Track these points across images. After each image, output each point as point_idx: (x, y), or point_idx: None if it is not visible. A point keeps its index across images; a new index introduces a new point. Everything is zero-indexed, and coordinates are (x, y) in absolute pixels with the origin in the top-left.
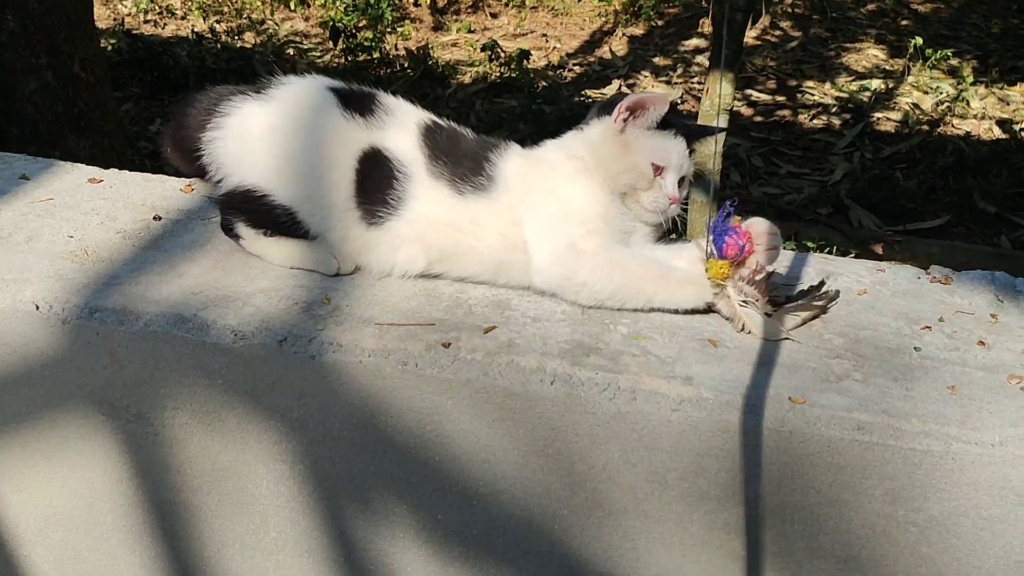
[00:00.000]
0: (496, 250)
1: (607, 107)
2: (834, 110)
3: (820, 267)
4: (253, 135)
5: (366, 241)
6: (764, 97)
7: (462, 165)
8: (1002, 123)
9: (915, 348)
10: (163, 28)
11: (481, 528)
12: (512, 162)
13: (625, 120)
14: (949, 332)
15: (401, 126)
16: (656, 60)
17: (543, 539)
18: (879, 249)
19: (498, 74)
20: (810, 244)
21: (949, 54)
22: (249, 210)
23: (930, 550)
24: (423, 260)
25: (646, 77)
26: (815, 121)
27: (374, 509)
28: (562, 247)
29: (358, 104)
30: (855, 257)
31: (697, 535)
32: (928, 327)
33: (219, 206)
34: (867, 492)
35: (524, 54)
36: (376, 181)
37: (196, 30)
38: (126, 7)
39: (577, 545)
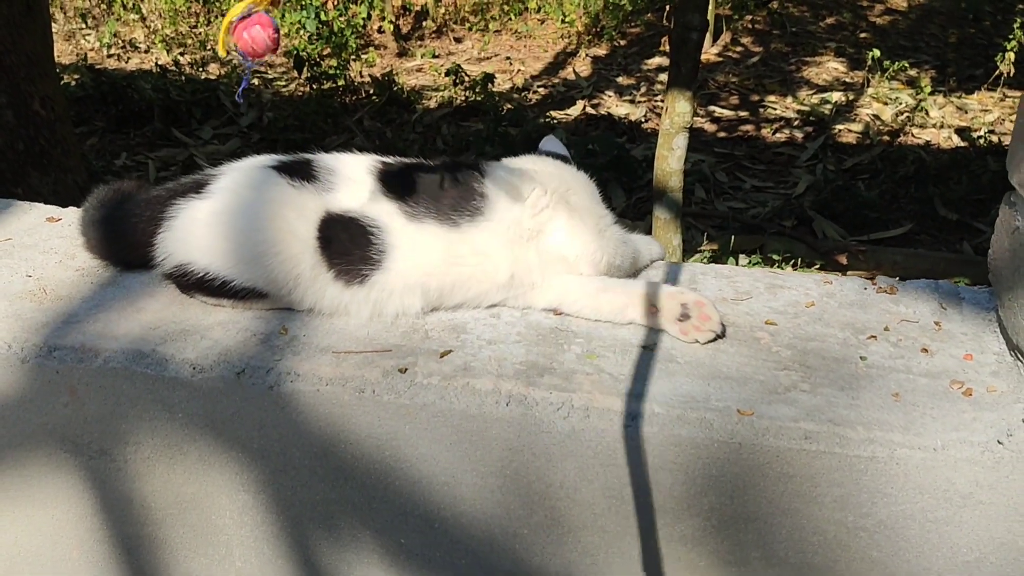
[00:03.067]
0: (508, 265)
1: None
2: (796, 123)
3: (769, 281)
4: (204, 229)
5: (347, 301)
6: (727, 113)
7: (445, 197)
8: (961, 131)
9: (861, 357)
10: (127, 62)
11: (444, 550)
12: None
13: None
14: (894, 341)
15: (352, 180)
16: (619, 80)
17: (505, 558)
18: (843, 259)
19: (463, 98)
20: (775, 256)
21: (907, 65)
22: (210, 290)
23: (880, 554)
24: (420, 303)
25: (610, 97)
26: (778, 135)
27: (338, 535)
28: None
29: (301, 173)
30: (819, 268)
31: (655, 547)
32: (874, 336)
33: (174, 283)
34: (817, 500)
35: (488, 77)
36: (346, 242)
37: (160, 63)
38: (89, 42)
39: (538, 563)
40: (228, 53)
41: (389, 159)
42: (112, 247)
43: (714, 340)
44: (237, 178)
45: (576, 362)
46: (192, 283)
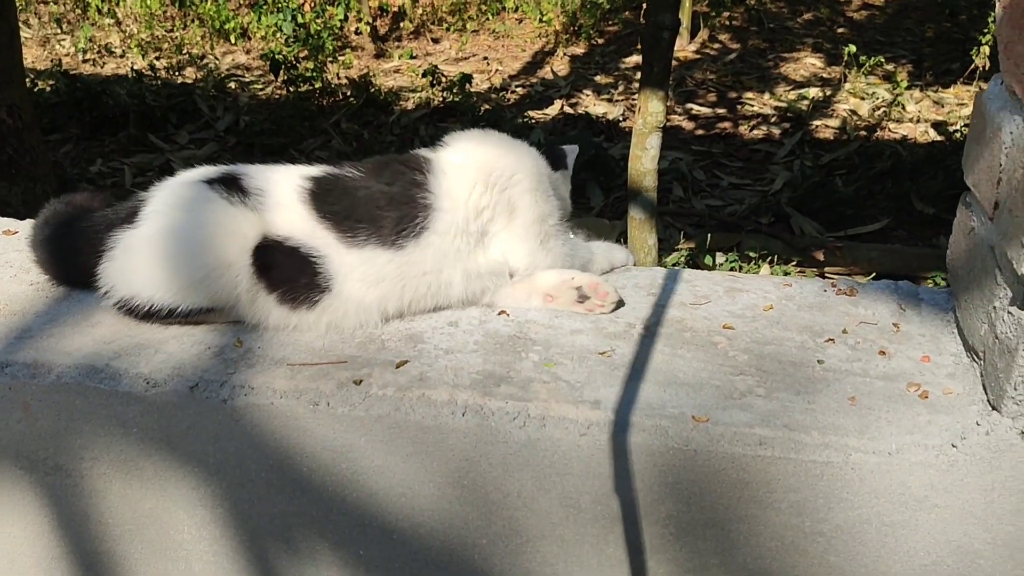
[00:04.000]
0: (461, 280)
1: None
2: (773, 120)
3: (728, 285)
4: (141, 260)
5: (296, 322)
6: (705, 110)
7: (386, 217)
8: (937, 126)
9: (818, 361)
10: (102, 67)
11: (402, 561)
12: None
13: None
14: (852, 343)
15: (282, 201)
16: (597, 78)
17: (464, 569)
18: (820, 255)
19: (441, 99)
20: (752, 254)
21: (883, 60)
22: (159, 317)
23: (838, 559)
24: (377, 318)
25: (588, 96)
26: (755, 132)
27: (296, 548)
28: None
29: (232, 190)
30: (796, 265)
31: (614, 556)
32: (832, 339)
33: (125, 314)
34: (773, 505)
35: (466, 78)
36: (288, 269)
37: (136, 68)
38: (64, 47)
39: (497, 573)
40: None
41: (316, 171)
42: (59, 269)
43: (617, 308)
44: (165, 199)
45: (533, 370)
46: (141, 315)
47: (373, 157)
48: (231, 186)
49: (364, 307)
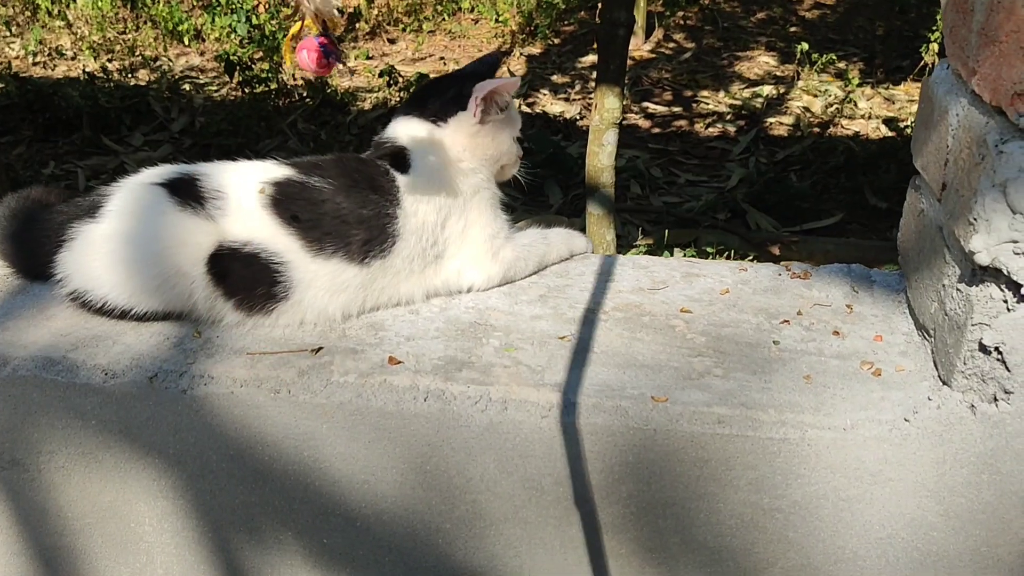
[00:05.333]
0: (422, 289)
1: (450, 105)
2: (729, 117)
3: (686, 270)
4: (98, 257)
5: (253, 323)
6: (661, 109)
7: (355, 233)
8: (888, 121)
9: (774, 342)
10: (53, 70)
11: (367, 548)
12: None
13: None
14: (807, 324)
15: (242, 205)
16: (554, 78)
17: (429, 554)
18: (776, 250)
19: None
20: (710, 249)
21: (835, 57)
22: (111, 314)
23: (796, 534)
24: (339, 317)
25: (545, 95)
26: (711, 129)
27: (260, 538)
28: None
29: (189, 193)
30: (753, 259)
31: (576, 536)
32: (787, 321)
33: (76, 305)
34: (732, 483)
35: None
36: (246, 277)
37: (88, 70)
38: (13, 50)
39: (462, 557)
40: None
41: (279, 172)
42: (23, 261)
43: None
44: (126, 199)
45: (494, 355)
46: (94, 310)
47: (336, 156)
48: (188, 190)
49: (326, 314)
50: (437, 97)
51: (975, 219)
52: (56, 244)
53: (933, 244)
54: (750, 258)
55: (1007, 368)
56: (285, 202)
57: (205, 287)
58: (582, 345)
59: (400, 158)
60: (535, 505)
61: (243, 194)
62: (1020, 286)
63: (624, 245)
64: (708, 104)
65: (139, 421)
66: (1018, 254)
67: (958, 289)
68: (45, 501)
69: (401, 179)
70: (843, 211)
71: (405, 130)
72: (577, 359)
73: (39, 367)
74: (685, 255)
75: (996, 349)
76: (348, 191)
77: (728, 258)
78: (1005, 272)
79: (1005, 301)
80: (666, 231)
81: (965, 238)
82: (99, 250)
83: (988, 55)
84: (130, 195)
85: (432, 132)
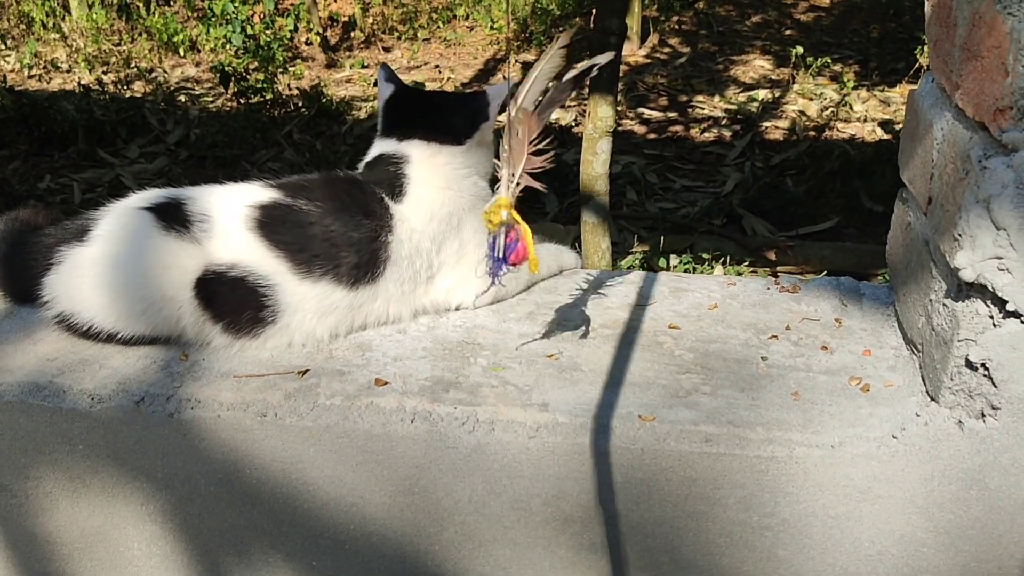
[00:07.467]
0: (410, 311)
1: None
2: (724, 122)
3: (674, 285)
4: (86, 281)
5: (240, 346)
6: (656, 114)
7: (344, 258)
8: (884, 124)
9: (762, 358)
10: (48, 83)
11: (356, 571)
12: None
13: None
14: (795, 340)
15: (228, 228)
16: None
17: None
18: (772, 255)
19: None
20: (705, 255)
21: (830, 61)
22: (97, 338)
23: (786, 552)
24: (326, 337)
25: None
26: (706, 134)
27: (249, 561)
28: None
29: (176, 219)
30: (749, 265)
31: (565, 557)
32: (775, 336)
33: (62, 328)
34: (721, 501)
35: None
36: (232, 302)
37: (83, 82)
38: (8, 63)
39: None
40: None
41: (265, 196)
42: (11, 283)
43: None
44: (111, 224)
45: (482, 375)
46: (80, 333)
47: (326, 176)
48: (174, 215)
49: (314, 336)
50: (443, 117)
51: (960, 235)
52: (44, 267)
53: (920, 258)
54: (746, 263)
55: (994, 384)
56: (272, 224)
57: (192, 311)
58: (570, 363)
59: (396, 183)
60: (524, 526)
61: (229, 216)
62: (1005, 302)
63: (620, 252)
64: (703, 109)
65: (126, 445)
66: (1002, 270)
67: (944, 304)
68: (33, 526)
69: (395, 206)
70: (839, 215)
71: (406, 152)
72: (565, 378)
73: (26, 392)
74: (681, 261)
75: (983, 365)
76: (337, 214)
77: (724, 264)
78: (990, 288)
79: (991, 317)
80: (662, 237)
81: (950, 254)
82: (86, 273)
83: (970, 70)
84: (117, 219)
85: (442, 152)
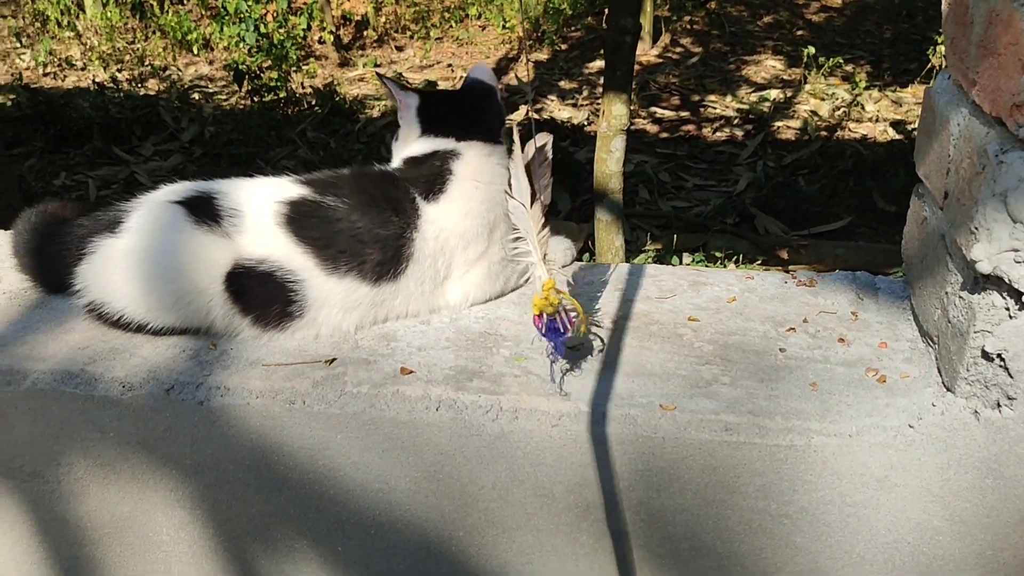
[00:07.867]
0: (427, 306)
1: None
2: (736, 122)
3: (693, 279)
4: (118, 272)
5: (269, 337)
6: (668, 113)
7: (369, 255)
8: (896, 124)
9: (780, 349)
10: (63, 80)
11: (381, 556)
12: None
13: None
14: (812, 332)
15: (258, 223)
16: (562, 84)
17: (442, 561)
18: (785, 254)
19: None
20: (718, 254)
21: (842, 61)
22: (127, 328)
23: (804, 539)
24: (352, 329)
25: (552, 101)
26: (718, 134)
27: (275, 547)
28: None
29: (206, 212)
30: (762, 264)
31: (587, 544)
32: (793, 329)
33: (92, 317)
34: (740, 490)
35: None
36: (261, 295)
37: (98, 80)
38: (24, 61)
39: (475, 565)
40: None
41: (293, 191)
42: (43, 274)
43: None
44: (143, 217)
45: (504, 365)
46: (111, 323)
47: (356, 171)
48: (205, 208)
49: (340, 329)
50: (493, 117)
51: (976, 228)
52: (76, 257)
53: (936, 252)
54: (759, 262)
55: (1009, 375)
56: (300, 220)
57: (222, 304)
58: (591, 354)
59: (438, 181)
60: (547, 513)
61: (259, 211)
62: (1021, 294)
63: (633, 250)
64: (715, 108)
65: (156, 433)
66: (1019, 263)
67: (960, 297)
68: (65, 512)
69: (426, 206)
70: (851, 215)
71: (463, 151)
72: (587, 368)
73: (58, 380)
74: (694, 260)
75: (999, 356)
76: (364, 210)
77: (737, 263)
78: (1006, 280)
79: (1007, 309)
80: (675, 236)
81: (967, 247)
82: (118, 265)
83: (987, 67)
84: (149, 212)
85: (496, 152)
